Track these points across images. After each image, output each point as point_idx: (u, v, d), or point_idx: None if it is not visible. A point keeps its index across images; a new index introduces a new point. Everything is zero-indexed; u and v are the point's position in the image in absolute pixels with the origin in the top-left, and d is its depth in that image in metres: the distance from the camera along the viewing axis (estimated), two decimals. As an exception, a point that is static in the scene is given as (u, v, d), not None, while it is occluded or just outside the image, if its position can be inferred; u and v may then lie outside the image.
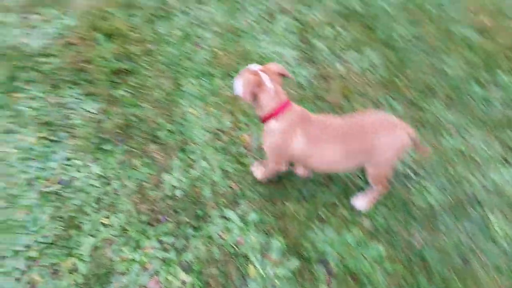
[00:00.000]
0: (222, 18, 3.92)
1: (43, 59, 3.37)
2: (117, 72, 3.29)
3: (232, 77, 3.35)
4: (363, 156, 2.25)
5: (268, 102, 2.23)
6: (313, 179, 2.70)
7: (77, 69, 3.31)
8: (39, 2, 3.90)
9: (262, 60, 3.50)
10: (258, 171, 2.66)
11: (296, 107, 2.29)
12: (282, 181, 2.68)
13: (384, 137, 2.19)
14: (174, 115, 3.07)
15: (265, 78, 2.20)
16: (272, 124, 2.26)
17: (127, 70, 3.32)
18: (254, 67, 2.26)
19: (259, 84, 2.18)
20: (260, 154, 2.82)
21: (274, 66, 2.28)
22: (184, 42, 3.64)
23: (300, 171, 2.69)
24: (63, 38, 3.57)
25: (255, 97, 2.22)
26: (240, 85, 2.24)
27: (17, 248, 2.28)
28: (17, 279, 2.16)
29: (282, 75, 2.29)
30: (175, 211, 2.52)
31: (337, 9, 4.13)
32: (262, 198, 2.59)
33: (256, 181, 2.67)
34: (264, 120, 2.30)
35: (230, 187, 2.66)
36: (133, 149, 2.83)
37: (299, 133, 2.23)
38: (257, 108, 2.29)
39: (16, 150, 2.73)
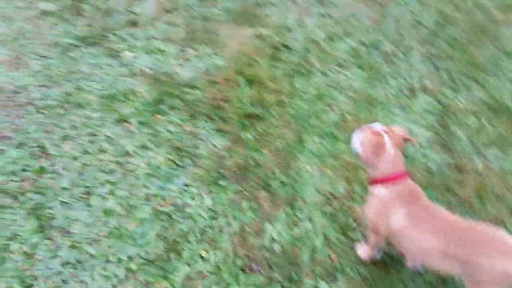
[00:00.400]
0: (359, 84, 3.92)
1: (188, 90, 3.70)
2: (249, 115, 3.46)
3: (357, 145, 3.27)
4: (461, 266, 1.98)
5: (384, 166, 2.13)
6: (424, 276, 2.43)
7: (215, 105, 3.56)
8: (197, 39, 4.35)
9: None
10: (363, 250, 2.49)
11: (410, 182, 2.16)
12: (388, 268, 2.46)
13: (490, 258, 1.89)
14: (290, 168, 3.08)
15: (387, 140, 2.10)
16: (380, 189, 2.16)
17: (258, 116, 3.47)
18: (378, 126, 2.18)
19: (380, 146, 2.10)
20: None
21: (398, 129, 2.18)
22: (316, 100, 3.70)
23: (410, 262, 2.45)
24: (209, 75, 3.91)
25: (372, 157, 2.12)
26: (359, 142, 2.19)
27: (122, 256, 2.43)
28: (114, 286, 2.29)
29: (406, 140, 2.18)
30: (269, 266, 2.47)
31: (485, 100, 3.83)
32: (362, 281, 2.40)
33: (359, 260, 2.50)
34: (373, 182, 2.19)
35: (330, 258, 2.53)
36: (245, 191, 2.89)
37: (402, 208, 2.08)
38: (370, 168, 2.19)
39: (145, 165, 2.99)
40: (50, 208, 2.65)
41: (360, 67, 4.13)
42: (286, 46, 4.33)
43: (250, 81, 3.83)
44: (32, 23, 4.30)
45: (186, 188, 2.86)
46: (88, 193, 2.76)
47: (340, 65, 4.15)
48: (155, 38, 4.30)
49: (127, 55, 4.04)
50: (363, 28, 4.63)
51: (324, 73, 4.03)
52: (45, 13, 4.44)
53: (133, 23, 4.43)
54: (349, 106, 3.67)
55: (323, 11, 4.91)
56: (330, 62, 4.18)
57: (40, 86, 3.54)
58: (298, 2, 5.05)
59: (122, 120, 3.35)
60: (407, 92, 3.85)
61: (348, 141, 3.29)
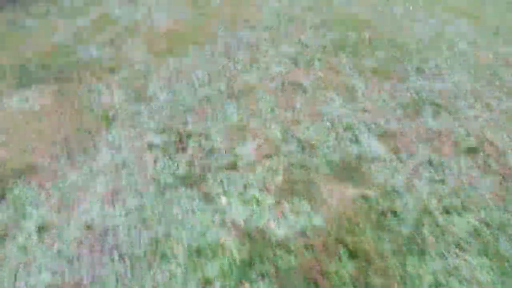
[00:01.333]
0: (486, 277, 3.23)
1: (281, 253, 3.30)
2: (352, 303, 2.91)
3: None
4: None
5: None
6: None
7: (310, 278, 3.09)
8: (294, 190, 4.07)
9: None
10: None
11: None
12: None
13: None
14: None
15: None
16: None
17: (363, 306, 2.90)
18: None
19: None
20: None
21: None
22: (434, 293, 3.06)
23: None
24: (306, 237, 3.50)
25: None
26: None
27: None
28: None
29: None
30: None
31: None
32: None
33: None
34: None
35: None
36: None
37: None
38: None
39: None
40: None
41: (485, 254, 3.46)
42: (394, 213, 3.85)
43: (353, 254, 3.34)
44: (136, 155, 4.39)
45: None
46: None
47: (459, 247, 3.52)
48: (252, 185, 4.10)
49: (222, 201, 3.84)
50: (484, 204, 4.04)
51: (441, 255, 3.41)
52: (151, 145, 4.55)
53: (233, 166, 4.32)
54: (475, 307, 2.97)
55: (435, 175, 4.45)
56: (448, 241, 3.57)
57: (130, 228, 3.38)
58: (405, 160, 4.68)
59: (205, 283, 2.98)
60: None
61: None
